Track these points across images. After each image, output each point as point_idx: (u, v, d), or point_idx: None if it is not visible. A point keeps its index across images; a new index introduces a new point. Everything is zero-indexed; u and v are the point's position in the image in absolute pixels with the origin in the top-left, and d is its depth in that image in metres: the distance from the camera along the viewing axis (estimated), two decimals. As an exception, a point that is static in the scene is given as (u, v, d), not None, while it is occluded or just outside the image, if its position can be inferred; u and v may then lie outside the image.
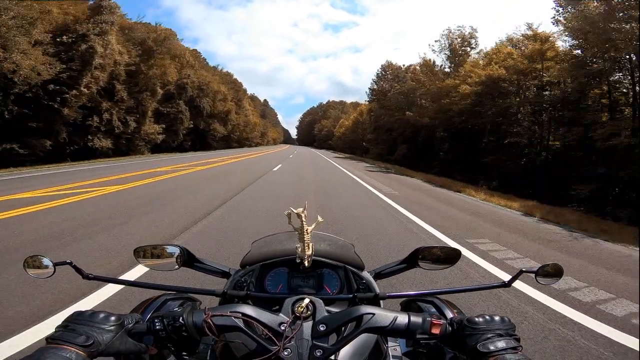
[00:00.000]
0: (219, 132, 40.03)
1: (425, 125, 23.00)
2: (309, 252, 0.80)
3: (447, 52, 22.54)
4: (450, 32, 22.22)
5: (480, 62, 18.84)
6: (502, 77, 15.64)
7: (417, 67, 24.72)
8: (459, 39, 21.83)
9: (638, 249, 5.19)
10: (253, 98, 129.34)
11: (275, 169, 14.48)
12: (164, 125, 29.64)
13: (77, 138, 21.95)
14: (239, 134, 52.29)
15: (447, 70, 22.96)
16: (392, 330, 0.60)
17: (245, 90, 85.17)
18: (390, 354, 0.79)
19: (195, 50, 53.29)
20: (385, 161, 28.77)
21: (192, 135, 36.68)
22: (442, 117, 20.14)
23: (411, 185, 11.87)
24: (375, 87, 34.43)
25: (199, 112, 36.54)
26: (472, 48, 21.84)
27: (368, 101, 37.03)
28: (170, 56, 35.82)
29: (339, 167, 19.38)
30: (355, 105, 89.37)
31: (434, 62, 24.28)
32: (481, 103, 16.75)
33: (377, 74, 33.98)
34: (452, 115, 18.43)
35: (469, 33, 21.72)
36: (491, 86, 16.05)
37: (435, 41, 22.89)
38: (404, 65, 31.50)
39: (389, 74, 32.76)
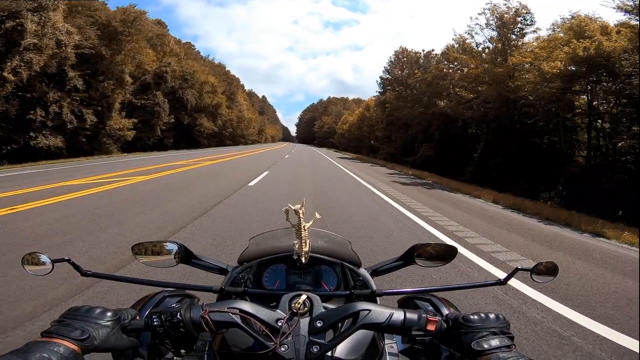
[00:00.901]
0: (206, 127, 35.09)
1: (455, 119, 18.14)
2: (305, 249, 0.79)
3: (493, 28, 17.46)
4: (495, 6, 17.20)
5: (561, 36, 13.73)
6: (616, 54, 10.60)
7: (452, 47, 19.54)
8: (509, 14, 16.72)
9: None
10: (251, 94, 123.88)
11: (252, 183, 9.32)
12: (135, 120, 24.80)
13: (17, 136, 17.41)
14: (232, 130, 47.35)
15: (485, 50, 17.95)
16: (388, 327, 0.61)
17: (242, 86, 79.96)
18: (386, 351, 0.78)
19: (189, 43, 48.29)
20: (402, 163, 24.05)
21: (175, 132, 31.84)
22: (496, 108, 15.23)
23: (504, 222, 6.65)
24: (387, 76, 29.40)
25: (182, 105, 31.66)
26: (528, 25, 16.81)
27: (379, 92, 31.89)
28: (150, 43, 31.06)
29: (352, 174, 14.46)
30: (358, 101, 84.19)
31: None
32: (570, 88, 11.84)
33: (390, 60, 29.02)
34: (524, 104, 13.42)
35: (523, 7, 16.68)
36: (599, 65, 11.05)
37: (480, 14, 17.94)
38: (423, 51, 26.53)
39: (404, 60, 27.78)
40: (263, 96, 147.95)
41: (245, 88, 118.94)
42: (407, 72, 26.02)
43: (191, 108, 32.51)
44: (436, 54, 24.94)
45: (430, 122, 21.36)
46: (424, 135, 22.85)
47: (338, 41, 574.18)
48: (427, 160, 21.51)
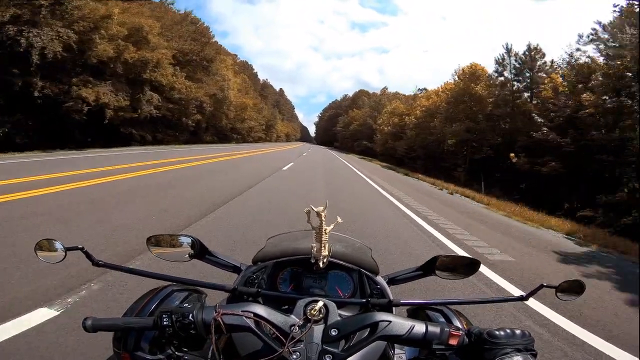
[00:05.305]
0: (105, 104, 15.31)
1: None
2: (324, 253, 0.76)
3: None
4: None
5: None
6: None
7: None
8: None
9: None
10: (265, 85, 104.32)
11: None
12: None
13: None
14: (210, 120, 27.75)
15: None
16: (408, 340, 0.59)
17: (237, 58, 59.04)
18: None
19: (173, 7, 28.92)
20: None
21: (23, 114, 12.69)
22: None
23: None
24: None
25: (19, 57, 12.25)
26: None
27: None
28: None
29: None
30: (396, 94, 61.59)
31: None
32: None
33: None
34: None
35: None
36: None
37: None
38: None
39: None
40: (280, 89, 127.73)
41: (259, 77, 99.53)
42: None
43: (47, 63, 12.98)
44: None
45: None
46: None
47: (364, 43, 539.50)
48: None
